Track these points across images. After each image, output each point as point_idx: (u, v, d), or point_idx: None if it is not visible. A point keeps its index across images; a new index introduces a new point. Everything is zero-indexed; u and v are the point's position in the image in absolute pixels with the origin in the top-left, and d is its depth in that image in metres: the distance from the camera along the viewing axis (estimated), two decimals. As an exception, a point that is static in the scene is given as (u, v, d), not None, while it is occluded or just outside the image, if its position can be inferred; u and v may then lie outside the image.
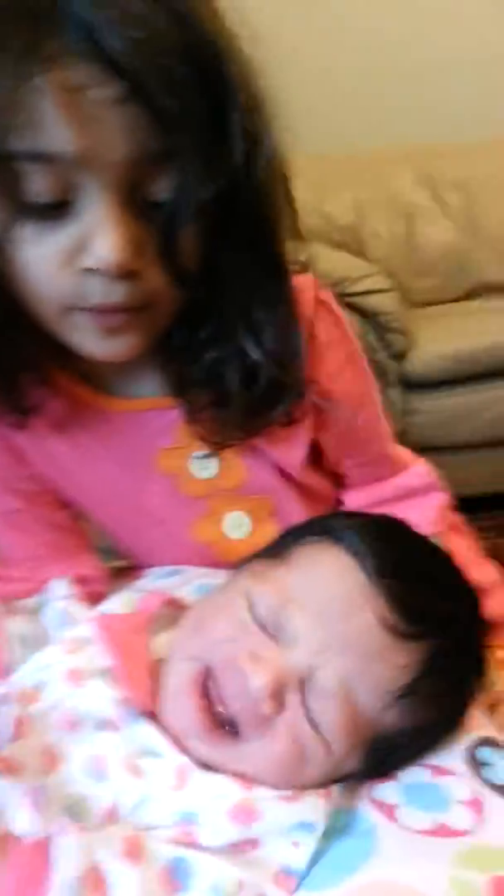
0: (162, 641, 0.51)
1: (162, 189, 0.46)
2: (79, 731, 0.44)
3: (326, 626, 0.44)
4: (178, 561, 0.70)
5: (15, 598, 0.63)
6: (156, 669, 0.48)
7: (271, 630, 0.46)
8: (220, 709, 0.44)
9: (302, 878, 0.41)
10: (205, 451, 0.63)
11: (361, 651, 0.44)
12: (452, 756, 0.49)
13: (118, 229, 0.46)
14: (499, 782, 0.47)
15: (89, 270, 0.47)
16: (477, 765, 0.48)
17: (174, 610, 0.55)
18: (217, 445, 0.62)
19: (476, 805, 0.45)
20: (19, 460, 0.66)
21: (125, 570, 0.74)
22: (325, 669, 0.44)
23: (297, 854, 0.42)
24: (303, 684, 0.44)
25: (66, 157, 0.44)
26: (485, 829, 0.44)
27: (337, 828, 0.44)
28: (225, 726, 0.44)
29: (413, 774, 0.48)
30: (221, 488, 0.67)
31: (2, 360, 0.56)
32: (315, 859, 0.42)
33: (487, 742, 0.49)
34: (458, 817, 0.45)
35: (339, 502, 0.73)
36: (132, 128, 0.44)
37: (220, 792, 0.42)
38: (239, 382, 0.58)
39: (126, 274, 0.48)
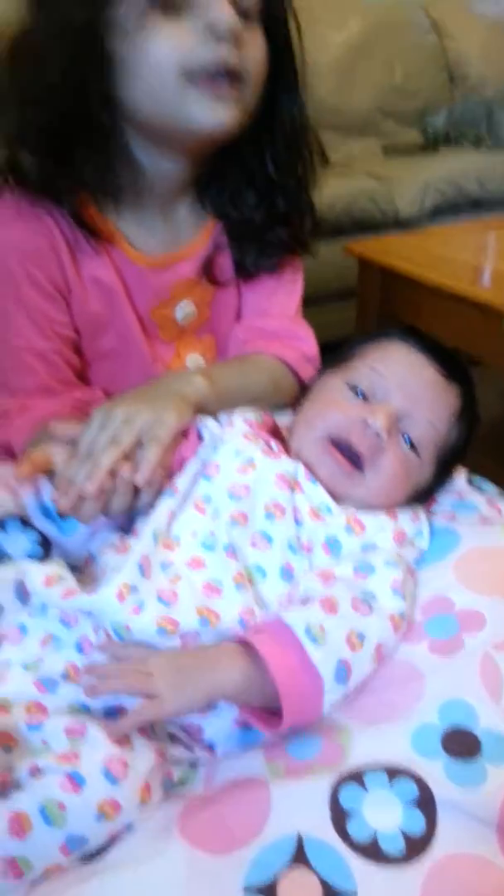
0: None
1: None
2: (286, 490, 0.65)
3: (409, 382, 0.69)
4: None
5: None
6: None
7: (371, 398, 0.69)
8: (352, 450, 0.66)
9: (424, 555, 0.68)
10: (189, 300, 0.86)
11: (432, 391, 0.70)
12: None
13: (229, 4, 0.68)
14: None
15: (209, 31, 0.67)
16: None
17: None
18: (220, 284, 0.86)
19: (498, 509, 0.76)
20: (64, 310, 0.82)
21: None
22: (416, 408, 0.68)
23: (423, 539, 0.69)
24: (400, 422, 0.68)
25: None
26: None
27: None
28: (353, 464, 0.67)
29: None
30: (188, 331, 0.89)
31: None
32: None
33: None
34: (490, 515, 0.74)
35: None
36: None
37: (382, 526, 0.66)
38: (260, 221, 0.83)
39: (234, 36, 0.68)
